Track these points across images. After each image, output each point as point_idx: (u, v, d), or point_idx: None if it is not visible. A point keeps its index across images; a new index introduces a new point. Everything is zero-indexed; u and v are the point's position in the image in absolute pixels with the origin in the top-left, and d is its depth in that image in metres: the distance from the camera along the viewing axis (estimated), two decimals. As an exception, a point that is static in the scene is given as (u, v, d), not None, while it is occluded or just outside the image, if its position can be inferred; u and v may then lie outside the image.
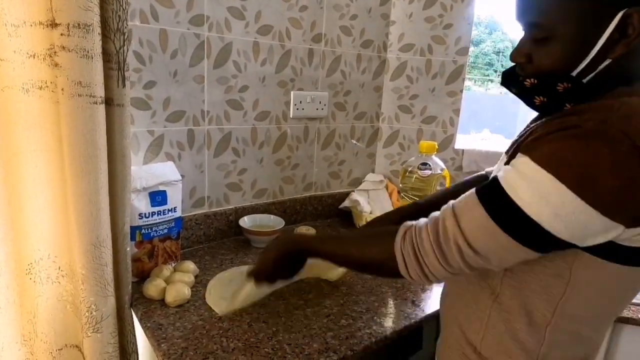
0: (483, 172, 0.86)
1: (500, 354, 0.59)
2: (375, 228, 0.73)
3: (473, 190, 0.53)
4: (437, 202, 0.84)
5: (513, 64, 0.58)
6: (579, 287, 0.52)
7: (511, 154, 0.55)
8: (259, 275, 0.75)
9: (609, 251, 0.48)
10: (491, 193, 0.50)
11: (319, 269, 0.96)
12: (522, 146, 0.50)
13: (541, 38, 0.52)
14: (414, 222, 0.57)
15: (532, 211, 0.46)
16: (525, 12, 0.53)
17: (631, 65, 0.51)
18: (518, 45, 0.56)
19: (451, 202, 0.55)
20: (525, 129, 0.64)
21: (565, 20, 0.49)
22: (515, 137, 0.65)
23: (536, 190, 0.46)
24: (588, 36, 0.49)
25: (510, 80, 0.59)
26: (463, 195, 0.54)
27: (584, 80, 0.51)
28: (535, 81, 0.54)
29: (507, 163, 0.55)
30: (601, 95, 0.51)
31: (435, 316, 0.89)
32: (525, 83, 0.55)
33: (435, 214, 0.56)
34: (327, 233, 0.69)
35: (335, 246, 0.66)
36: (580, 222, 0.45)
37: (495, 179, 0.51)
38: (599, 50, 0.49)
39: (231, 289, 0.86)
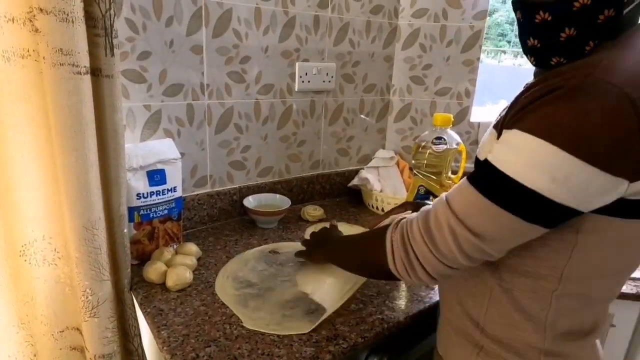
0: None
1: (505, 327, 0.56)
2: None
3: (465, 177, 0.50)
4: None
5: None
6: (585, 248, 0.49)
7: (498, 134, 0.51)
8: None
9: (617, 208, 0.45)
10: (482, 172, 0.48)
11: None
12: (506, 122, 0.48)
13: None
14: (409, 215, 0.56)
15: (527, 179, 0.43)
16: None
17: None
18: None
19: (444, 193, 0.53)
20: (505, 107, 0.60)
21: None
22: (498, 115, 0.60)
23: (528, 158, 0.44)
24: None
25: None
26: (456, 184, 0.52)
27: (624, 12, 0.46)
28: (589, 2, 0.47)
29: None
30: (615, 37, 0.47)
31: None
32: (576, 3, 0.47)
33: (428, 206, 0.54)
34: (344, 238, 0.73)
35: (343, 252, 0.67)
36: (581, 183, 0.42)
37: (485, 160, 0.48)
38: None
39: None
